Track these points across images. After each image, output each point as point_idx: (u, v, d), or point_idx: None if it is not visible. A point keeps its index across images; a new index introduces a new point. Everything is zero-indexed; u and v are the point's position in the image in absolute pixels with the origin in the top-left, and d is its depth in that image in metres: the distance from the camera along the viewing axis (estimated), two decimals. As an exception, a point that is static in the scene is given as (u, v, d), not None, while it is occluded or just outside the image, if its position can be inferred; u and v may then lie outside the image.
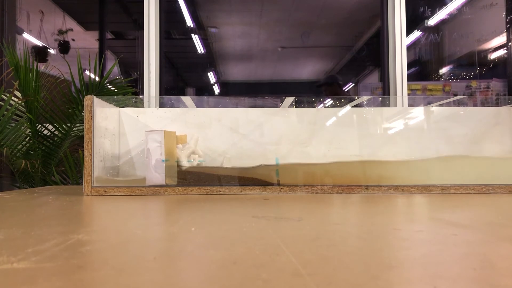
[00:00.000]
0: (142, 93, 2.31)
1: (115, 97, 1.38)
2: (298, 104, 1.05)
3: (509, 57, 3.02)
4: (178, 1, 4.01)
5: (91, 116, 0.84)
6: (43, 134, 1.75)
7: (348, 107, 1.05)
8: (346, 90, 5.48)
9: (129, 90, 1.88)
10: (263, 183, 0.85)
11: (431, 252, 0.33)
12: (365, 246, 0.36)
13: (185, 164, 0.88)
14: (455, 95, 2.96)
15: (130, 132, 1.02)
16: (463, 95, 2.95)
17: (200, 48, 5.35)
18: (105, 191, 0.83)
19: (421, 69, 3.57)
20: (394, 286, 0.25)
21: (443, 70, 3.56)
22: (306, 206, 0.66)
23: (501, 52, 3.20)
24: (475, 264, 0.29)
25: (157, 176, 0.86)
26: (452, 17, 3.22)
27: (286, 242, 0.36)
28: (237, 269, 0.28)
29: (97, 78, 1.76)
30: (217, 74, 6.58)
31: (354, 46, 5.47)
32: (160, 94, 2.30)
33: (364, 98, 1.08)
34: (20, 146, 1.74)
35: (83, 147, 0.83)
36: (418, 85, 3.00)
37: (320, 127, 1.03)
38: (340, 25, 5.01)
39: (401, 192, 0.84)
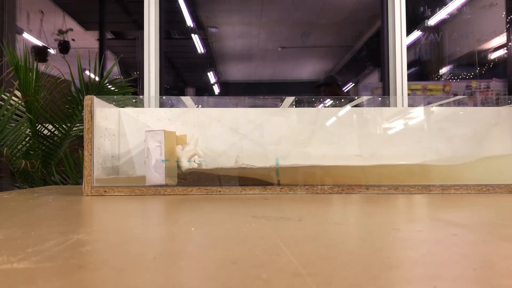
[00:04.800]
0: (142, 93, 2.31)
1: (115, 97, 1.38)
2: (298, 104, 1.05)
3: (509, 57, 3.02)
4: (178, 1, 4.01)
5: (91, 116, 0.84)
6: (43, 134, 1.75)
7: (348, 107, 1.05)
8: (346, 90, 5.48)
9: (129, 90, 1.88)
10: (263, 183, 0.85)
11: (431, 252, 0.33)
12: (365, 246, 0.36)
13: (185, 165, 0.88)
14: (455, 95, 2.96)
15: (130, 132, 1.02)
16: (463, 95, 2.95)
17: (200, 48, 5.35)
18: (105, 191, 0.83)
19: (421, 69, 3.57)
20: (394, 286, 0.25)
21: (443, 70, 3.56)
22: (306, 206, 0.66)
23: (501, 52, 3.20)
24: (475, 264, 0.29)
25: (157, 176, 0.86)
26: (452, 17, 3.22)
27: (286, 242, 0.36)
28: (237, 269, 0.28)
29: (97, 78, 1.76)
30: (217, 74, 6.58)
31: (354, 46, 5.47)
32: (160, 94, 2.30)
33: (364, 98, 1.08)
34: (20, 146, 1.74)
35: (83, 147, 0.83)
36: (418, 85, 3.00)
37: (320, 127, 1.03)
38: (340, 25, 5.01)
39: (401, 192, 0.84)
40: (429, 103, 1.09)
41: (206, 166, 0.94)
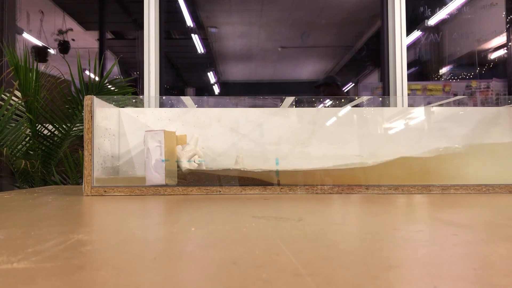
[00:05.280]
0: (142, 93, 2.31)
1: (115, 97, 1.38)
2: (298, 104, 1.05)
3: (509, 57, 3.02)
4: (178, 1, 4.01)
5: (91, 116, 0.83)
6: (43, 134, 1.75)
7: (348, 107, 1.05)
8: (346, 90, 5.48)
9: (129, 90, 1.88)
10: (263, 183, 0.85)
11: (431, 252, 0.33)
12: (365, 246, 0.36)
13: (185, 165, 0.88)
14: (455, 95, 2.96)
15: (130, 132, 1.02)
16: (463, 95, 2.95)
17: (200, 48, 5.35)
18: (105, 191, 0.83)
19: (421, 69, 3.57)
20: (394, 286, 0.25)
21: (443, 70, 3.56)
22: (306, 206, 0.66)
23: (501, 52, 3.20)
24: (475, 264, 0.29)
25: (157, 176, 0.86)
26: (452, 17, 3.22)
27: (286, 242, 0.36)
28: (237, 269, 0.28)
29: (97, 78, 1.76)
30: (217, 74, 6.58)
31: (354, 46, 5.47)
32: (160, 94, 2.30)
33: (364, 98, 1.08)
34: (20, 146, 1.74)
35: (83, 147, 0.83)
36: (418, 85, 3.00)
37: (320, 127, 1.03)
38: (340, 25, 5.01)
39: (401, 192, 0.84)
40: (429, 103, 1.09)
41: (206, 166, 0.94)
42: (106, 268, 0.28)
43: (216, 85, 6.67)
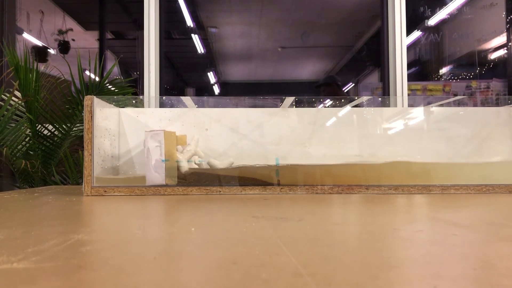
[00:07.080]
0: (142, 93, 2.31)
1: (115, 97, 1.38)
2: (298, 104, 1.05)
3: (509, 57, 3.02)
4: (178, 1, 4.01)
5: (91, 116, 0.83)
6: (43, 134, 1.75)
7: (348, 107, 1.05)
8: (346, 90, 5.48)
9: (129, 90, 1.88)
10: (263, 183, 0.85)
11: (431, 252, 0.33)
12: (365, 246, 0.36)
13: (184, 165, 0.88)
14: (455, 95, 2.96)
15: (130, 132, 1.02)
16: (463, 95, 2.95)
17: (200, 48, 5.35)
18: (105, 191, 0.83)
19: (421, 69, 3.57)
20: (394, 286, 0.25)
21: (443, 70, 3.56)
22: (306, 206, 0.66)
23: (501, 52, 3.20)
24: (475, 264, 0.29)
25: (157, 176, 0.86)
26: (452, 17, 3.22)
27: (286, 242, 0.36)
28: (237, 269, 0.28)
29: (97, 78, 1.76)
30: (217, 74, 6.58)
31: (354, 46, 5.47)
32: (160, 94, 2.30)
33: (364, 98, 1.08)
34: (20, 146, 1.74)
35: (83, 147, 0.83)
36: (418, 85, 3.00)
37: (320, 127, 1.03)
38: (340, 25, 5.01)
39: (401, 192, 0.84)
40: (429, 103, 1.09)
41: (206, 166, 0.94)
42: (106, 268, 0.28)
43: (216, 85, 6.67)
